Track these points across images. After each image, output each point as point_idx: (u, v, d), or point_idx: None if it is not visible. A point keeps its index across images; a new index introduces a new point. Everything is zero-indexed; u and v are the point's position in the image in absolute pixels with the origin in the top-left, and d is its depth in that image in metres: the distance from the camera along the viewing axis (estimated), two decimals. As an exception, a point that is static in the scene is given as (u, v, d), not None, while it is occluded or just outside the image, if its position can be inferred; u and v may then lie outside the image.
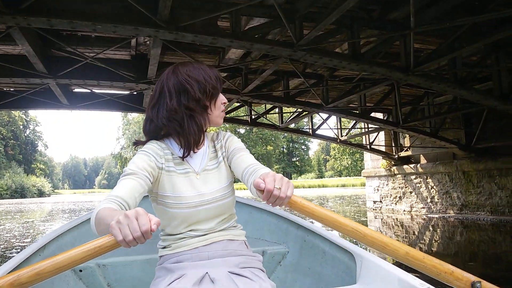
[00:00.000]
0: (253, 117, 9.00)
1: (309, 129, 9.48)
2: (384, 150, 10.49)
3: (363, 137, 10.78)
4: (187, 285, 0.98)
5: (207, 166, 1.14)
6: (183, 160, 1.12)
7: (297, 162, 70.77)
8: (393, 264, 1.22)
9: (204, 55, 6.33)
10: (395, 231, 8.39)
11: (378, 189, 11.26)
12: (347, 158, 56.84)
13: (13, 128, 61.09)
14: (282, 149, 69.05)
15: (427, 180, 9.58)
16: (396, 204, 10.65)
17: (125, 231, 0.75)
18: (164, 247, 1.13)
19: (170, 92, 1.09)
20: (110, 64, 5.54)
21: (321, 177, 64.34)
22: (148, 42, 5.45)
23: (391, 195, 10.82)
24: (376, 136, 10.31)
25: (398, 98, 6.69)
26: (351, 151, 55.94)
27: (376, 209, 11.49)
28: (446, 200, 9.14)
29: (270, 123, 9.26)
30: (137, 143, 1.17)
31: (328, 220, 0.92)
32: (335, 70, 6.91)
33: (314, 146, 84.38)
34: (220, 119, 1.17)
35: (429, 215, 9.64)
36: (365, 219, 10.52)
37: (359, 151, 53.81)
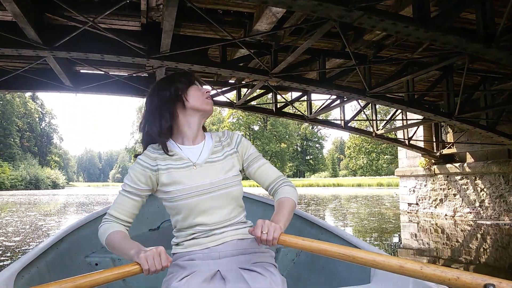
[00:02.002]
0: (278, 106, 7.97)
1: (340, 120, 8.38)
2: (423, 146, 9.32)
3: (399, 131, 9.63)
4: (198, 281, 1.05)
5: (209, 159, 1.22)
6: (168, 155, 1.22)
7: (311, 161, 70.35)
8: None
9: (227, 27, 5.31)
10: (434, 238, 7.36)
11: (414, 190, 10.08)
12: (363, 158, 55.62)
13: (29, 120, 61.67)
14: (296, 147, 68.38)
15: (476, 182, 8.38)
16: (436, 207, 9.47)
17: (151, 263, 0.96)
18: (177, 244, 1.20)
19: (145, 109, 1.33)
20: (116, 34, 4.59)
21: (335, 176, 63.64)
22: (161, 6, 4.48)
23: (430, 197, 9.64)
24: (416, 130, 9.12)
25: (462, 83, 5.55)
26: (367, 151, 54.62)
27: (411, 213, 10.32)
28: (500, 205, 7.94)
29: (297, 113, 8.21)
30: (138, 156, 1.28)
31: (316, 249, 0.97)
32: (380, 49, 5.83)
33: (328, 144, 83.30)
34: (205, 105, 1.26)
35: (478, 221, 8.45)
36: (400, 223, 9.41)
37: (375, 150, 53.26)
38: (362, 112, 8.26)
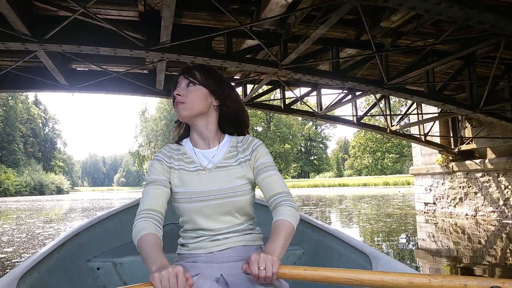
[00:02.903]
0: (286, 102, 7.53)
1: (352, 116, 7.91)
2: (439, 143, 8.83)
3: (414, 127, 9.12)
4: (205, 283, 1.02)
5: (220, 163, 1.18)
6: (181, 152, 1.24)
7: (315, 161, 70.01)
8: (408, 265, 1.23)
9: (234, 16, 4.90)
10: (454, 239, 6.90)
11: (431, 189, 9.58)
12: (368, 157, 55.06)
13: (32, 126, 61.60)
14: (300, 147, 68.00)
15: (499, 179, 7.88)
16: (455, 206, 8.97)
17: (165, 285, 0.87)
18: (183, 245, 1.20)
19: None
20: (112, 23, 4.16)
21: (340, 176, 63.33)
22: (160, -10, 4.06)
23: (448, 196, 9.14)
24: (432, 126, 8.61)
25: (493, 71, 5.08)
26: (372, 150, 54.00)
27: (428, 212, 9.81)
28: (526, 203, 7.44)
29: (306, 110, 7.75)
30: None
31: (319, 278, 0.92)
32: (398, 36, 5.37)
33: (332, 144, 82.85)
34: (178, 112, 1.20)
35: (502, 221, 7.95)
36: (418, 224, 8.93)
37: (380, 149, 52.64)
38: (376, 107, 7.76)
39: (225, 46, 4.96)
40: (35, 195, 43.48)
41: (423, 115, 8.15)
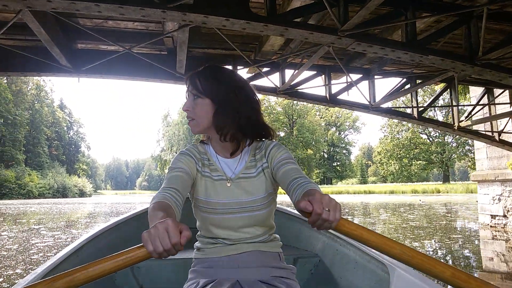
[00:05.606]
0: (332, 92, 6.23)
1: (412, 107, 6.47)
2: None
3: (480, 125, 7.61)
4: None
5: (241, 174, 1.14)
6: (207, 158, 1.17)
7: (338, 167, 68.41)
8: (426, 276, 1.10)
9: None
10: None
11: (500, 199, 8.00)
12: (394, 163, 53.00)
13: (57, 129, 62.50)
14: (322, 153, 66.49)
15: None
16: (534, 221, 7.38)
17: (156, 243, 0.73)
18: (198, 250, 1.17)
19: None
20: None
21: (364, 183, 61.52)
22: None
23: (524, 208, 7.56)
24: (507, 122, 7.06)
25: None
26: (398, 156, 51.74)
27: (496, 227, 8.21)
28: None
29: (356, 101, 6.41)
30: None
31: (376, 243, 0.81)
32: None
33: (355, 150, 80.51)
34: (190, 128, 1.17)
35: None
36: (482, 240, 7.37)
37: (407, 156, 50.35)
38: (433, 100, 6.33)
39: (266, 5, 3.74)
40: (58, 198, 43.60)
41: (496, 105, 6.61)
